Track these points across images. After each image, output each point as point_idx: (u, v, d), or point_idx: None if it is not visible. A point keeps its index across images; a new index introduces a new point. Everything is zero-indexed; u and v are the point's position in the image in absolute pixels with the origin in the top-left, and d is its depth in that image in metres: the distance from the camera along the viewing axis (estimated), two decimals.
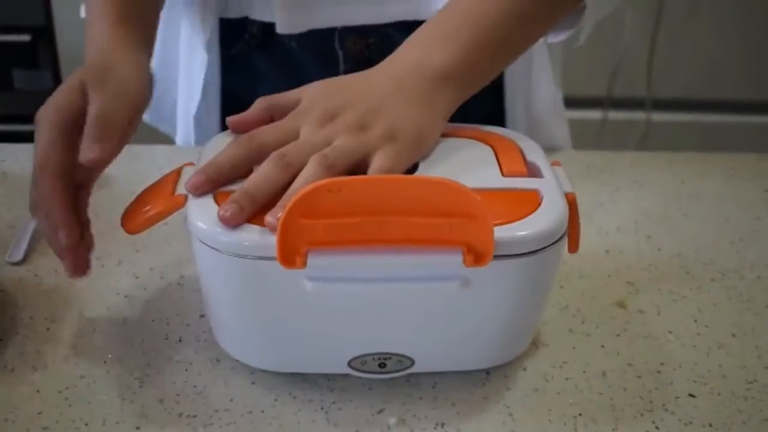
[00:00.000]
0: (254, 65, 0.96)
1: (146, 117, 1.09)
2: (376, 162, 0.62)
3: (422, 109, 0.66)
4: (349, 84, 0.68)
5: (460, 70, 0.68)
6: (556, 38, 0.84)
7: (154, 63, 1.04)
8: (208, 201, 0.59)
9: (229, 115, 0.67)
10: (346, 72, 0.93)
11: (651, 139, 2.12)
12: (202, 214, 0.58)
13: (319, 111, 0.65)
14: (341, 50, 0.94)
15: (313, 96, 0.67)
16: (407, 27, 0.90)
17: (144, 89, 0.70)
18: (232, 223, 0.56)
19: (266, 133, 0.64)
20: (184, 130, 1.02)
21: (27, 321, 0.70)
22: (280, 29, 0.89)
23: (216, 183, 0.60)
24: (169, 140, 1.09)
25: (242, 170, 0.61)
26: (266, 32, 0.93)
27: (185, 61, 0.98)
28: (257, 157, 0.62)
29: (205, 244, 0.58)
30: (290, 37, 0.91)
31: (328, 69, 0.95)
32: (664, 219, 0.89)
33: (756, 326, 0.74)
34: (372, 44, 0.93)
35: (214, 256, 0.57)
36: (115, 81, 0.67)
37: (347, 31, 0.92)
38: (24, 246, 0.78)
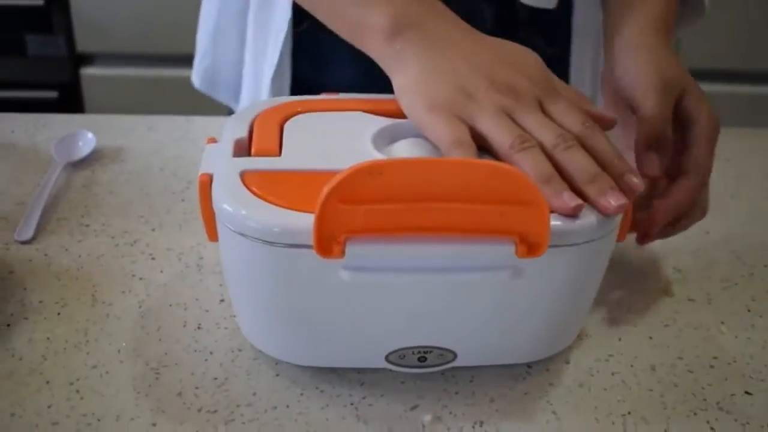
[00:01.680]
0: (321, 47, 0.90)
1: (199, 84, 1.03)
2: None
3: None
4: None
5: None
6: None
7: (210, 26, 0.99)
8: (235, 181, 0.55)
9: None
10: None
11: None
12: (228, 196, 0.54)
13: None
14: None
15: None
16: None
17: None
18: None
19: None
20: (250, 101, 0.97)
21: (36, 305, 0.66)
22: None
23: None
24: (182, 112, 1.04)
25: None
26: None
27: (254, 37, 0.93)
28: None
29: (230, 228, 0.53)
30: None
31: None
32: (711, 199, 0.83)
33: None
34: None
35: (241, 242, 0.53)
36: None
37: None
38: (34, 223, 0.74)
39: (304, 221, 0.50)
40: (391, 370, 0.60)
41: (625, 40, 0.69)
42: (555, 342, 0.62)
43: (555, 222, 0.51)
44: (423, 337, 0.57)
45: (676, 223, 0.67)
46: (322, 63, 0.90)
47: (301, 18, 0.86)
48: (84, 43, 2.05)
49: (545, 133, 0.56)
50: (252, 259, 0.54)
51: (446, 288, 0.54)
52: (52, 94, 2.10)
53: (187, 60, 1.11)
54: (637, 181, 0.55)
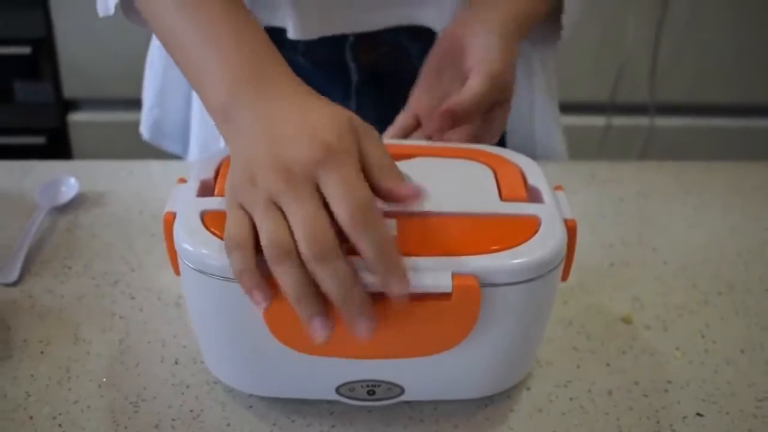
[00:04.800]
0: None
1: (147, 136, 1.08)
2: None
3: None
4: None
5: None
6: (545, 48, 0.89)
7: (157, 81, 1.03)
8: (195, 221, 0.57)
9: None
10: (358, 84, 0.92)
11: (655, 144, 2.11)
12: (188, 234, 0.56)
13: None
14: (354, 62, 0.92)
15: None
16: (418, 35, 0.89)
17: None
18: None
19: None
20: (200, 147, 1.01)
21: (20, 344, 0.69)
22: (292, 34, 0.85)
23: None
24: (166, 156, 1.08)
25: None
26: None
27: None
28: None
29: (190, 266, 0.56)
30: (296, 50, 0.89)
31: (341, 82, 0.93)
32: (669, 230, 0.87)
33: (765, 341, 0.72)
34: (384, 54, 0.92)
35: (199, 278, 0.56)
36: None
37: (359, 41, 0.91)
38: (18, 267, 0.77)
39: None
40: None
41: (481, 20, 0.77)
42: (503, 379, 0.64)
43: (492, 262, 0.54)
44: (370, 371, 0.60)
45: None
46: None
47: None
48: (71, 88, 2.09)
49: (301, 239, 0.51)
50: (209, 294, 0.57)
51: None
52: (41, 140, 2.13)
53: None
54: (398, 289, 0.52)
